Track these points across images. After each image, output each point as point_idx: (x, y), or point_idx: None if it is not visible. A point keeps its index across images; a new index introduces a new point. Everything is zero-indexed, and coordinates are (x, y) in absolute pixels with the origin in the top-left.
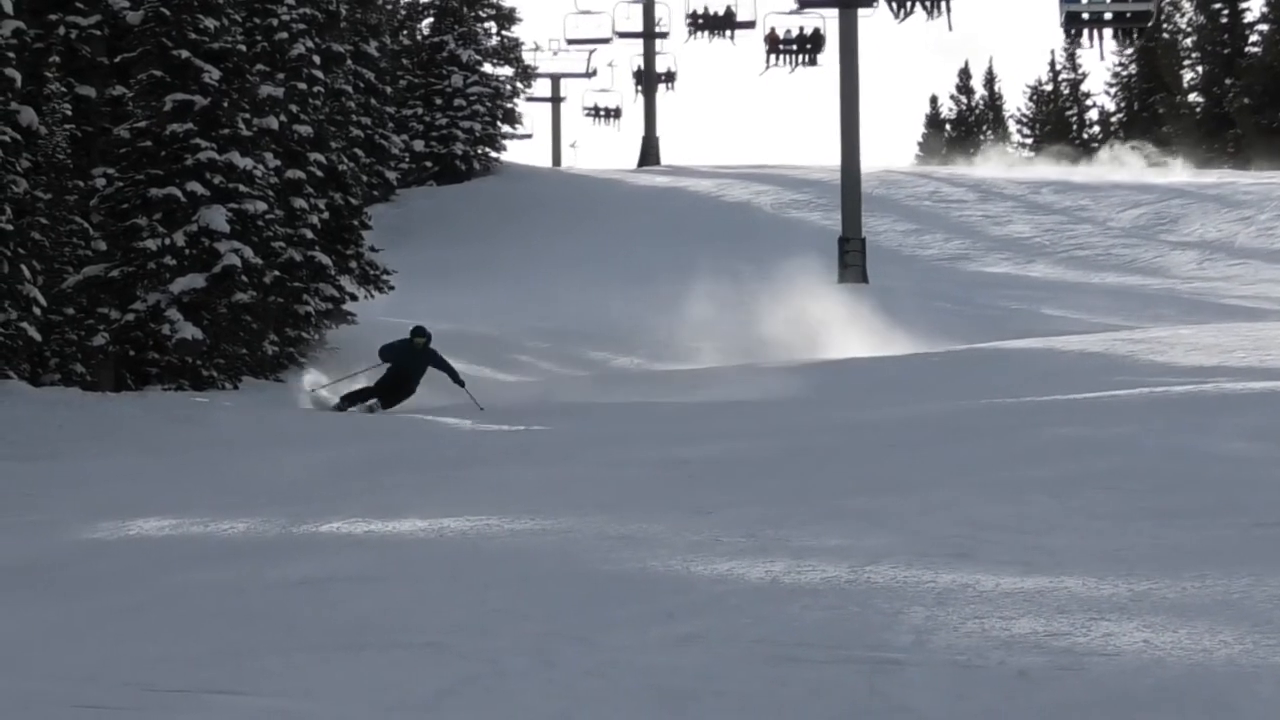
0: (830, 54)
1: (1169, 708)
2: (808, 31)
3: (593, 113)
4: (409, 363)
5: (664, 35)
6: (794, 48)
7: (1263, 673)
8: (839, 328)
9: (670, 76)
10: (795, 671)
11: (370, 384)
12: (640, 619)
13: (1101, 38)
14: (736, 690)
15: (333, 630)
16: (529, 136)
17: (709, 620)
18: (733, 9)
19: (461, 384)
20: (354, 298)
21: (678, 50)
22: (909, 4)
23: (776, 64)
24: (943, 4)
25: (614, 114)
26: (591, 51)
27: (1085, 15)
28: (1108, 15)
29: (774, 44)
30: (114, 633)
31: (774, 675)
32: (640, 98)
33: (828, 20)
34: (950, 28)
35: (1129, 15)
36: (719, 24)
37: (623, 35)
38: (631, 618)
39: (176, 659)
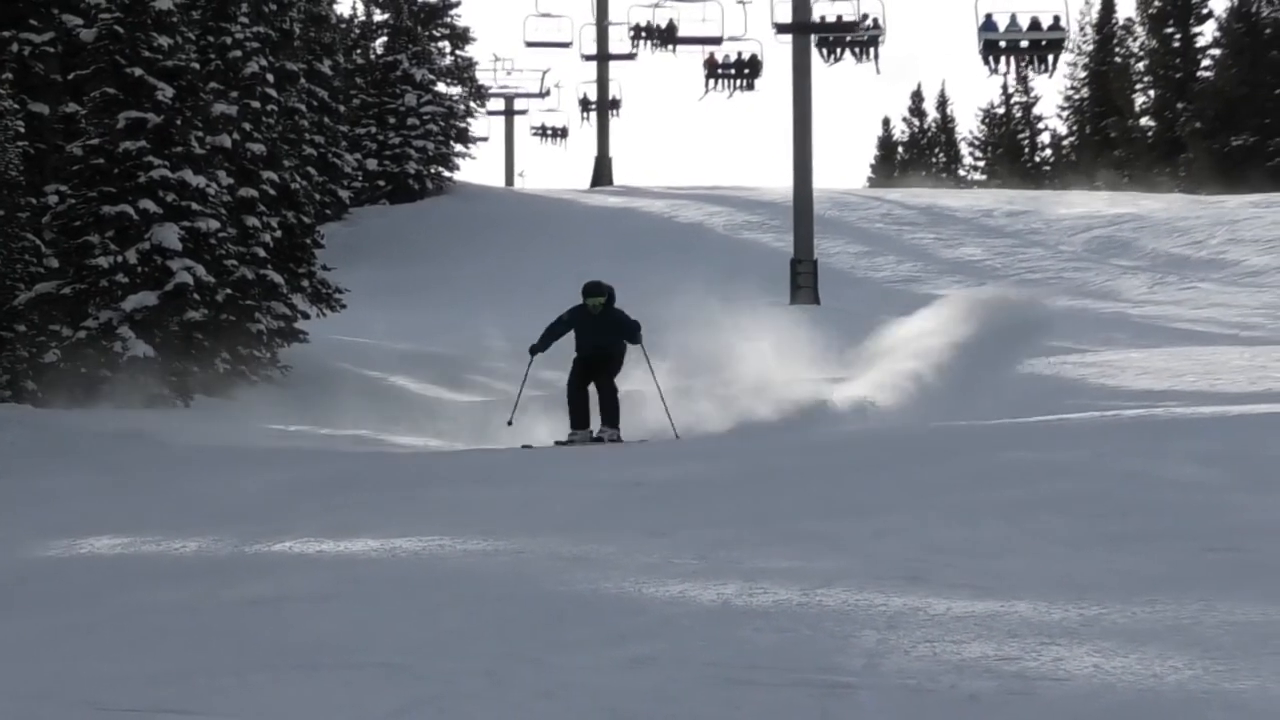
0: (770, 78)
1: None
2: (745, 56)
3: (540, 132)
4: (592, 338)
5: (632, 57)
6: (732, 72)
7: (1212, 698)
8: (790, 349)
9: (615, 104)
10: (747, 694)
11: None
12: (593, 641)
13: (1018, 65)
14: (689, 713)
15: (286, 650)
16: (485, 139)
17: (661, 643)
18: (675, 23)
19: (641, 349)
20: (306, 316)
21: (623, 77)
22: (839, 50)
23: (715, 88)
24: (870, 50)
25: (561, 134)
26: (545, 71)
27: (1002, 44)
28: (1023, 44)
29: (713, 68)
30: (66, 651)
31: (726, 698)
32: (585, 123)
33: (765, 46)
34: (878, 71)
35: (1044, 44)
36: (664, 37)
37: (588, 58)
38: (584, 639)
39: (130, 678)
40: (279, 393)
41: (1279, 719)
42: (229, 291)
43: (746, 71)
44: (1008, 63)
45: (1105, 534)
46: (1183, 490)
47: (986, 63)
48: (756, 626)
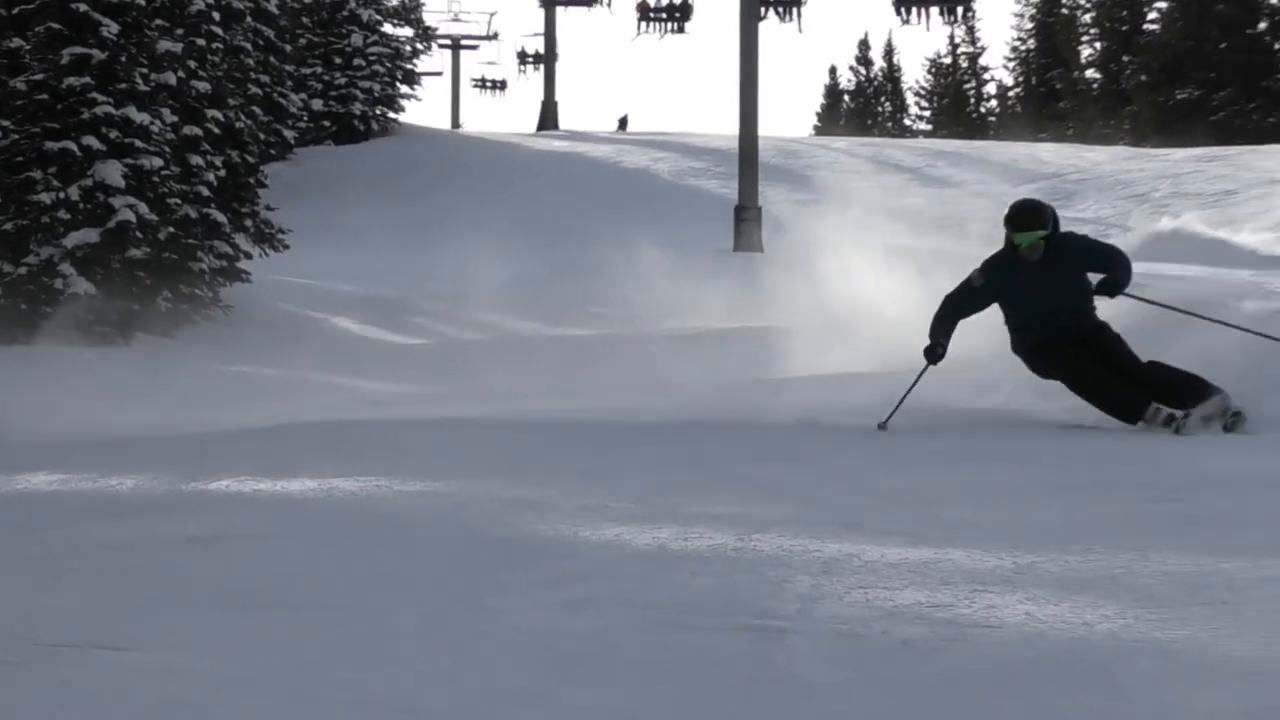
0: (710, 25)
1: (1050, 679)
2: (677, 1)
3: (480, 84)
4: (1034, 301)
5: (587, 3)
6: (664, 16)
7: (1143, 646)
8: (733, 296)
9: (554, 57)
10: (682, 638)
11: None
12: (529, 583)
13: (928, 15)
14: (624, 655)
15: (221, 588)
16: (439, 74)
17: (597, 586)
18: None
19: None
20: (249, 256)
21: (562, 25)
22: (763, 10)
23: (647, 31)
24: (794, 10)
25: (500, 85)
26: (492, 15)
27: None
28: None
29: (645, 12)
30: (0, 586)
31: (661, 641)
32: (522, 75)
33: None
34: (800, 30)
35: None
36: None
37: (542, 3)
38: (520, 582)
39: (64, 613)
40: (221, 332)
41: (1207, 667)
42: (171, 230)
43: (678, 15)
44: (919, 13)
45: (1044, 483)
46: (1124, 441)
47: (899, 12)
48: (692, 570)
